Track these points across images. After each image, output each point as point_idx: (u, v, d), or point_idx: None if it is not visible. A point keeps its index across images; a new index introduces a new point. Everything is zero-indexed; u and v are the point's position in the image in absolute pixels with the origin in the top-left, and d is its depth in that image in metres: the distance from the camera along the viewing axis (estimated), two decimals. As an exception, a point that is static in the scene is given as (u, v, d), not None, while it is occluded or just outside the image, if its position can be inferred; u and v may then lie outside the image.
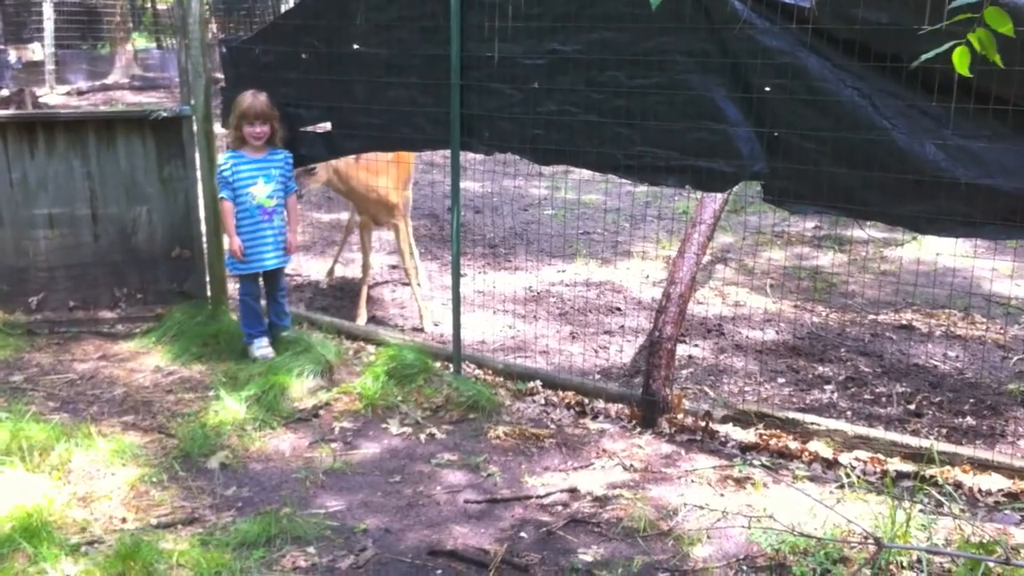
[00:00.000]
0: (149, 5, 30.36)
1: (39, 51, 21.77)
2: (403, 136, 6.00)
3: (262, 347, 6.25)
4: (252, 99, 6.05)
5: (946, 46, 2.69)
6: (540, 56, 5.33)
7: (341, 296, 7.63)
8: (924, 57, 2.83)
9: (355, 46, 5.98)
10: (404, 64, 5.81)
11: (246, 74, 6.52)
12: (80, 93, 20.49)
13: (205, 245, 6.92)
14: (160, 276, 6.97)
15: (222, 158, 6.15)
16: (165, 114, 6.71)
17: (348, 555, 4.07)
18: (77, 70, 22.30)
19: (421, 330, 6.99)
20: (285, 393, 5.61)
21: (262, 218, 6.12)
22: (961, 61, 2.67)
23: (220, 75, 7.11)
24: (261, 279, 6.34)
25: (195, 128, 6.68)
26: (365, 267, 7.20)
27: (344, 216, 8.05)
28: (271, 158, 6.16)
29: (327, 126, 6.32)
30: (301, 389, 5.71)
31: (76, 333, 6.75)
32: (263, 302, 6.40)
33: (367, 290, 7.22)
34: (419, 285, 7.41)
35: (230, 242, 6.11)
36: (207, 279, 6.96)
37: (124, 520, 4.31)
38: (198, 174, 6.78)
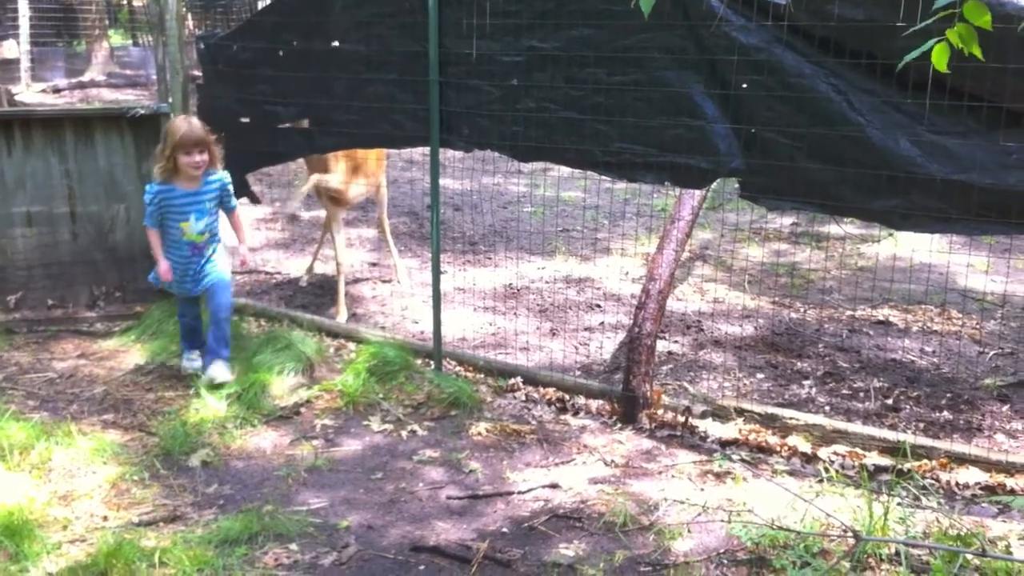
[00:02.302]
0: (125, 2, 30.18)
1: (14, 49, 21.59)
2: (382, 133, 6.01)
3: (190, 359, 5.99)
4: (187, 125, 5.55)
5: (929, 43, 2.72)
6: (518, 53, 5.35)
7: (322, 293, 7.63)
8: (909, 57, 2.85)
9: (334, 43, 5.98)
10: (382, 61, 5.82)
11: (224, 71, 6.51)
12: (57, 91, 20.34)
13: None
14: (139, 274, 6.94)
15: (148, 191, 5.60)
16: (143, 111, 6.69)
17: (331, 552, 4.08)
18: (53, 68, 22.13)
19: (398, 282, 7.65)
20: (266, 391, 5.61)
21: (192, 254, 5.72)
22: (940, 58, 2.70)
23: (198, 72, 7.08)
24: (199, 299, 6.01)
25: (173, 125, 6.65)
26: (338, 263, 7.20)
27: (324, 213, 8.04)
28: (206, 188, 5.68)
29: (305, 123, 6.32)
30: (282, 387, 5.71)
31: (55, 331, 6.72)
32: (203, 320, 6.04)
33: (344, 286, 7.21)
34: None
35: (157, 263, 5.69)
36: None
37: (105, 518, 4.31)
38: (177, 172, 6.75)
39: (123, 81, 21.74)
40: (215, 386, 5.59)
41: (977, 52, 2.72)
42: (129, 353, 6.36)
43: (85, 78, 21.67)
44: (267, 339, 6.23)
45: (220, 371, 5.65)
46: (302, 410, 5.54)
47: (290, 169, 10.34)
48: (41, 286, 6.82)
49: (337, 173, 6.83)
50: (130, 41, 27.73)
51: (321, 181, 6.75)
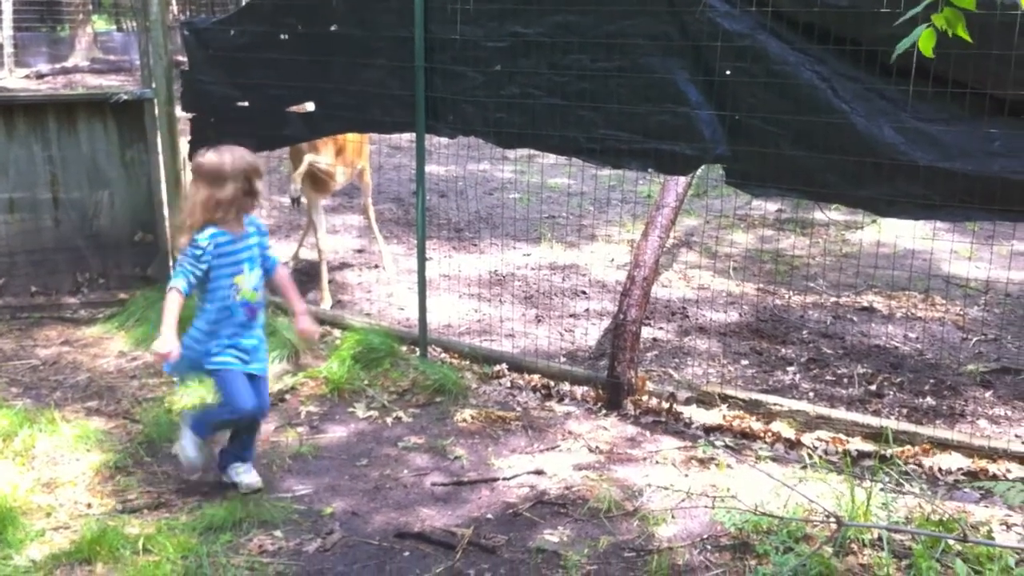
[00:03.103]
0: (109, -13, 30.00)
1: (-3, 34, 21.47)
2: (374, 118, 5.99)
3: (238, 471, 4.52)
4: (245, 151, 4.31)
5: (917, 31, 2.73)
6: (502, 39, 5.33)
7: (307, 280, 7.61)
8: (901, 47, 2.85)
9: (333, 27, 5.93)
10: (373, 46, 5.79)
11: (217, 56, 6.46)
12: (40, 76, 20.23)
13: (168, 229, 6.87)
14: (123, 261, 6.93)
15: (203, 234, 4.18)
16: (126, 97, 6.66)
17: (315, 538, 4.08)
18: (36, 53, 22.01)
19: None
20: (250, 378, 5.59)
21: (246, 319, 4.37)
22: (926, 44, 2.72)
23: (181, 58, 7.05)
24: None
25: (157, 111, 6.64)
26: (320, 250, 7.18)
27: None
28: (250, 232, 4.41)
29: (311, 106, 6.27)
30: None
31: (38, 319, 6.69)
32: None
33: (327, 273, 7.20)
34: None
35: (160, 340, 4.08)
36: (170, 263, 6.92)
37: (89, 505, 4.30)
38: (160, 158, 6.73)
39: (107, 66, 21.65)
40: (202, 382, 5.49)
41: (964, 34, 2.74)
42: (113, 340, 6.34)
43: (68, 63, 21.57)
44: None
45: (255, 477, 4.49)
46: (287, 397, 5.54)
47: (275, 155, 10.30)
48: (24, 273, 6.79)
49: (326, 156, 6.85)
50: (114, 26, 27.58)
51: (314, 162, 6.75)
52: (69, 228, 6.81)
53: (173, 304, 4.13)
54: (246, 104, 6.42)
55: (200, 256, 4.17)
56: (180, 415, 4.80)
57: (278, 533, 4.11)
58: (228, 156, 4.18)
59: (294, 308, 4.64)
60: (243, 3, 7.37)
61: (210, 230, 4.20)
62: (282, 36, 6.16)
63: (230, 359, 4.32)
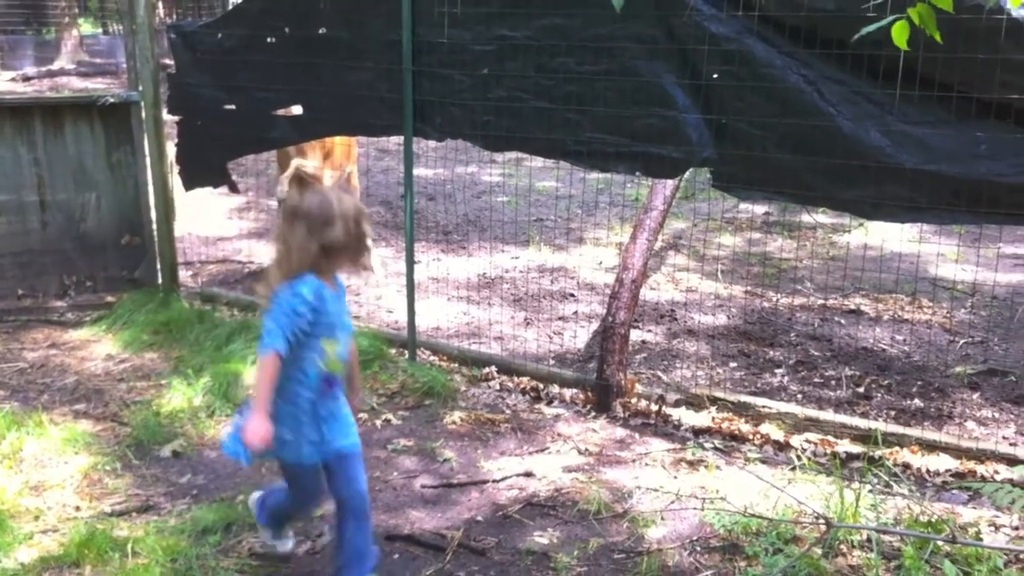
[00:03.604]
0: (95, -10, 29.92)
1: (-17, 37, 21.41)
2: (362, 121, 6.00)
3: (282, 538, 3.97)
4: (347, 193, 3.59)
5: (886, 20, 2.76)
6: (490, 42, 5.34)
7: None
8: (865, 30, 2.89)
9: (321, 30, 5.93)
10: (361, 49, 5.79)
11: (204, 59, 6.45)
12: (26, 79, 20.15)
13: (155, 232, 6.86)
14: (110, 263, 6.90)
15: (305, 285, 3.38)
16: (113, 100, 6.64)
17: (305, 540, 4.07)
18: (22, 56, 21.93)
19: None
20: (238, 380, 5.58)
21: (326, 394, 3.56)
22: (899, 35, 2.75)
23: (168, 61, 7.03)
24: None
25: (143, 114, 6.63)
26: None
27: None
28: (341, 291, 3.65)
29: (297, 110, 6.28)
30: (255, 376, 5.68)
31: (25, 321, 6.66)
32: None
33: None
34: None
35: (253, 419, 3.32)
36: (158, 266, 6.91)
37: (78, 508, 4.28)
38: (147, 160, 6.72)
39: (93, 69, 21.58)
40: (190, 385, 5.50)
41: (935, 33, 2.77)
42: (100, 343, 6.32)
43: (55, 66, 21.50)
44: (240, 328, 6.20)
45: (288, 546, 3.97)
46: (275, 400, 5.52)
47: (263, 158, 10.29)
48: (11, 275, 6.76)
49: (313, 159, 6.87)
50: (100, 29, 27.49)
51: (301, 166, 6.77)
52: (56, 231, 6.78)
53: (270, 372, 3.33)
54: (233, 107, 6.42)
55: (302, 312, 3.36)
56: (246, 501, 4.20)
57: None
58: (335, 195, 3.45)
59: (355, 384, 3.85)
60: (230, 6, 7.37)
61: (313, 281, 3.41)
62: (269, 39, 6.15)
63: (304, 449, 3.53)
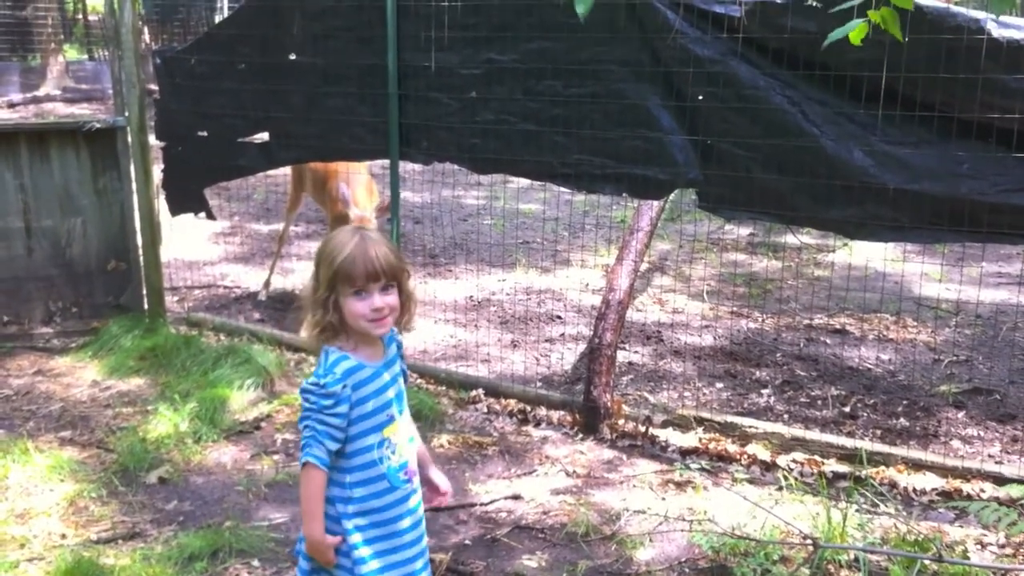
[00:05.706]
0: (80, 16, 29.93)
1: (-33, 63, 21.38)
2: (341, 146, 6.00)
3: None
4: (364, 245, 2.73)
5: (851, 23, 2.84)
6: (477, 66, 5.37)
7: (281, 307, 7.59)
8: (832, 37, 2.95)
9: (292, 56, 5.96)
10: (341, 74, 5.82)
11: (182, 84, 6.48)
12: (11, 106, 20.12)
13: (141, 257, 6.84)
14: (96, 289, 6.88)
15: (330, 372, 2.74)
16: (99, 125, 6.63)
17: (292, 567, 4.05)
18: (8, 83, 21.88)
19: None
20: (225, 406, 5.57)
21: (403, 486, 2.94)
22: (857, 35, 2.85)
23: (154, 86, 7.04)
24: None
25: (130, 139, 6.61)
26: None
27: (282, 227, 8.01)
28: (393, 358, 2.96)
29: (264, 136, 6.30)
30: (242, 401, 5.67)
31: (10, 348, 6.63)
32: None
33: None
34: None
35: (314, 542, 2.80)
36: (144, 292, 6.88)
37: (64, 536, 4.25)
38: (133, 186, 6.71)
39: (79, 95, 21.54)
40: (176, 410, 5.49)
41: (896, 32, 2.83)
42: (86, 369, 6.30)
43: (40, 92, 21.44)
44: (226, 353, 6.18)
45: None
46: (262, 424, 5.51)
47: (249, 183, 10.29)
48: (-5, 302, 6.74)
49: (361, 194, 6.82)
50: (86, 55, 27.46)
51: (360, 216, 6.54)
52: (41, 257, 6.76)
53: (315, 487, 2.76)
54: (204, 133, 6.44)
55: (332, 407, 2.72)
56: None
57: (255, 562, 4.08)
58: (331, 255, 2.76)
59: (424, 458, 3.25)
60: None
61: (339, 361, 2.76)
62: (240, 66, 6.18)
63: (375, 564, 2.84)
